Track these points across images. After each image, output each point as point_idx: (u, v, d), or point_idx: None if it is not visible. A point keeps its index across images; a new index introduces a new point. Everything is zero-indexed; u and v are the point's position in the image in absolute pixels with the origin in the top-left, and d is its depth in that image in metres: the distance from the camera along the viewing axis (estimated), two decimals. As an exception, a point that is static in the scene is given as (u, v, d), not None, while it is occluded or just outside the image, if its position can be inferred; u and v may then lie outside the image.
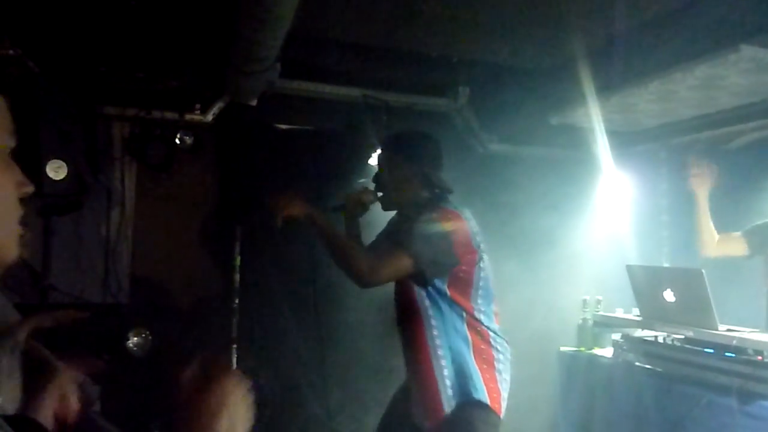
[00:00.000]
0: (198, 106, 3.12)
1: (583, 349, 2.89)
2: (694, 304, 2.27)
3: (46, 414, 0.92)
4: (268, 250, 3.11)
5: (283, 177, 3.22)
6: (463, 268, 1.99)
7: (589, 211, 3.85)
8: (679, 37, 2.68)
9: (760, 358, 2.07)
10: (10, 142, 0.85)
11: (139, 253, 3.11)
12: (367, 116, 3.21)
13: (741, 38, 2.39)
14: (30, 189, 0.85)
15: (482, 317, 2.02)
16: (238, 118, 3.20)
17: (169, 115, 3.08)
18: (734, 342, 2.15)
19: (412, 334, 2.03)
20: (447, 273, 1.97)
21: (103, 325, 2.59)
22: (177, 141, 3.04)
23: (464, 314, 1.99)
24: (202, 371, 0.75)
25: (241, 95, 3.08)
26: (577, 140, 3.45)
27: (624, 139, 3.77)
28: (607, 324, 2.80)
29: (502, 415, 1.99)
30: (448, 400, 1.95)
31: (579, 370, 2.85)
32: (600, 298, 2.97)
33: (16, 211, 0.81)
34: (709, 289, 2.21)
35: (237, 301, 3.19)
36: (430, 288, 1.97)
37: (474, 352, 1.98)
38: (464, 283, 1.99)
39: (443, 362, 1.96)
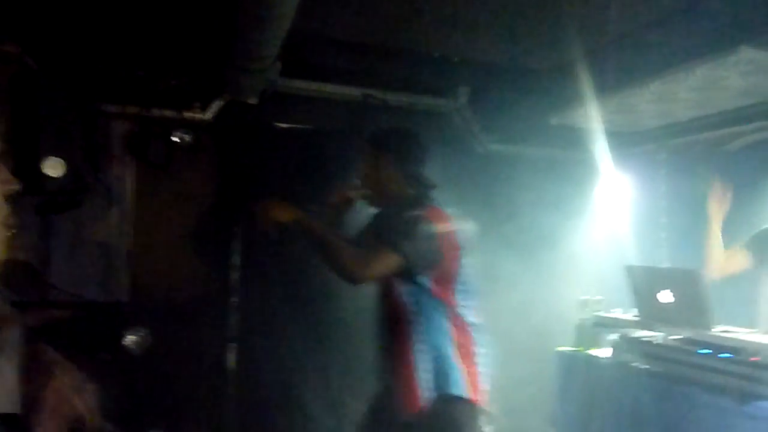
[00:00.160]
0: (198, 104, 3.12)
1: (581, 349, 2.89)
2: (692, 305, 2.27)
3: (44, 416, 0.91)
4: (267, 248, 3.11)
5: (282, 176, 3.22)
6: (447, 264, 2.02)
7: (589, 211, 3.85)
8: (680, 38, 2.68)
9: (757, 359, 2.07)
10: None
11: (138, 252, 3.11)
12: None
13: (741, 40, 2.40)
14: (15, 187, 0.83)
15: (464, 312, 2.05)
16: (238, 117, 3.20)
17: (169, 113, 3.08)
18: (730, 343, 2.15)
19: (392, 329, 2.05)
20: (431, 269, 1.99)
21: (101, 323, 2.59)
22: (177, 139, 3.03)
23: (446, 309, 2.02)
24: None
25: (241, 94, 3.08)
26: (576, 141, 3.45)
27: (624, 140, 3.78)
28: (605, 324, 2.80)
29: (483, 406, 2.04)
30: (427, 394, 1.97)
31: (577, 370, 2.85)
32: (599, 298, 2.97)
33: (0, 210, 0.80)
34: (706, 290, 2.22)
35: (236, 299, 3.21)
36: (413, 283, 1.98)
37: (455, 346, 2.01)
38: (447, 278, 2.03)
39: (423, 356, 1.98)
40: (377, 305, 2.14)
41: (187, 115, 3.11)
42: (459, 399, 1.98)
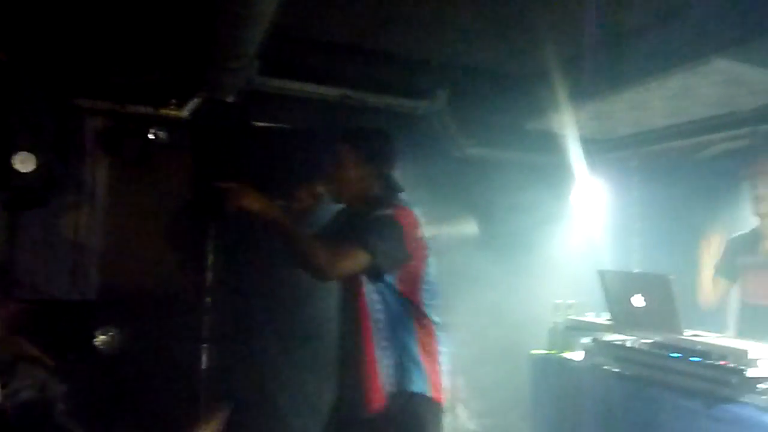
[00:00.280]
0: (174, 101, 3.07)
1: (554, 352, 2.92)
2: (662, 309, 2.31)
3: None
4: (242, 247, 3.09)
5: (259, 175, 3.19)
6: (414, 263, 2.04)
7: (564, 216, 3.90)
8: (654, 48, 2.74)
9: (724, 362, 2.11)
10: None
11: (109, 250, 3.06)
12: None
13: (713, 51, 2.46)
14: None
15: (428, 311, 2.08)
16: (216, 115, 3.17)
17: (145, 109, 3.04)
18: (700, 347, 2.19)
19: (357, 327, 2.04)
20: (399, 268, 2.02)
21: (70, 322, 2.54)
22: (152, 136, 2.99)
23: (411, 308, 2.05)
24: None
25: (218, 91, 3.05)
26: (552, 146, 3.50)
27: (598, 147, 3.84)
28: (578, 328, 2.83)
29: (444, 404, 2.07)
30: (390, 392, 1.99)
31: (550, 373, 2.88)
32: (572, 302, 3.01)
33: None
34: (675, 295, 2.26)
35: (209, 299, 3.17)
36: (380, 282, 2.00)
37: (419, 344, 2.03)
38: (413, 277, 2.05)
39: (387, 354, 2.00)
40: (342, 303, 2.14)
41: (164, 112, 3.07)
42: (422, 396, 2.00)
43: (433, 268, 2.11)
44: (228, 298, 3.18)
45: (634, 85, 2.85)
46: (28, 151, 2.24)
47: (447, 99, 3.56)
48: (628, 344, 2.54)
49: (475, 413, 3.47)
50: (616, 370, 2.51)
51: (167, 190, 3.17)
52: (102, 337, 2.42)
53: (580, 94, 3.00)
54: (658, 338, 2.38)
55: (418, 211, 2.10)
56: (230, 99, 3.10)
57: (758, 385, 1.99)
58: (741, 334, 2.57)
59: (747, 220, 2.87)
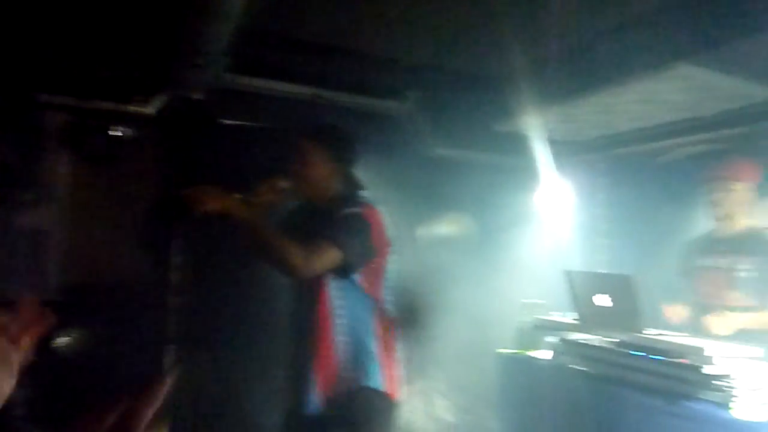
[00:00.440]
0: (140, 97, 3.01)
1: (521, 351, 2.96)
2: (626, 309, 2.36)
3: None
4: (209, 247, 3.04)
5: (227, 174, 3.15)
6: (378, 260, 2.08)
7: (531, 216, 3.95)
8: (620, 53, 2.79)
9: (685, 360, 2.17)
10: None
11: (71, 249, 2.98)
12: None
13: (677, 57, 2.51)
14: None
15: (388, 307, 2.12)
16: (183, 112, 3.11)
17: (109, 105, 2.96)
18: (661, 345, 2.25)
19: (316, 323, 2.05)
20: (365, 265, 2.05)
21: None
22: (116, 133, 2.92)
23: (372, 304, 2.08)
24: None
25: (185, 88, 3.00)
26: (521, 148, 3.53)
27: (566, 149, 3.89)
28: (545, 327, 2.87)
29: (398, 400, 2.10)
30: (347, 387, 2.01)
31: (517, 372, 2.92)
32: (539, 301, 3.05)
33: None
34: (638, 295, 2.31)
35: (176, 300, 3.11)
36: (345, 279, 2.02)
37: (378, 340, 2.06)
38: (376, 274, 2.08)
39: (344, 348, 2.03)
40: (299, 299, 2.13)
41: (128, 108, 3.00)
42: (377, 392, 2.03)
43: (392, 265, 2.13)
44: (194, 297, 3.13)
45: (601, 89, 2.90)
46: (-14, 146, 2.16)
47: (417, 99, 3.57)
48: (594, 343, 2.58)
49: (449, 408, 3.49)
50: (582, 368, 2.55)
51: (132, 189, 3.10)
52: (62, 339, 2.35)
53: (548, 96, 3.04)
54: (621, 337, 2.43)
55: (382, 210, 2.12)
56: (198, 96, 3.05)
57: (714, 382, 2.04)
58: (695, 331, 2.64)
59: (706, 222, 2.96)
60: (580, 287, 2.59)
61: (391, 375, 2.08)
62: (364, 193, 2.18)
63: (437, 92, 3.53)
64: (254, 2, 2.11)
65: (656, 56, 2.58)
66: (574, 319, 2.71)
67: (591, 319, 2.55)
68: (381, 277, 2.10)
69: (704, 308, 2.65)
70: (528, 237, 3.85)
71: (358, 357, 2.04)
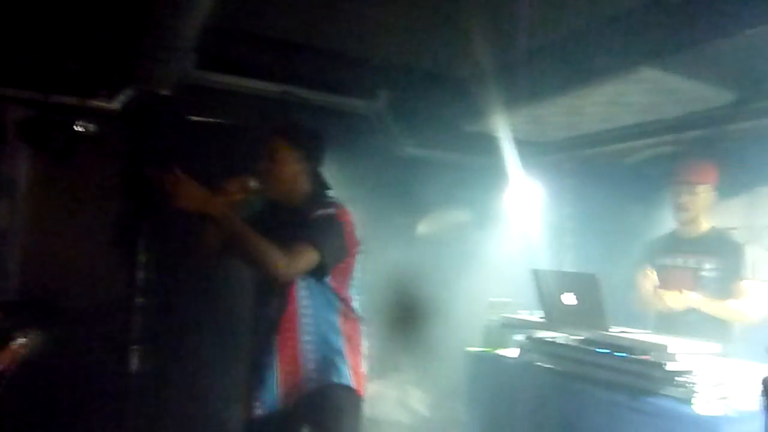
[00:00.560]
0: (104, 92, 2.94)
1: (489, 349, 2.98)
2: (591, 307, 2.40)
3: None
4: (175, 245, 2.99)
5: (194, 172, 3.10)
6: (348, 259, 2.09)
7: (500, 216, 3.99)
8: (586, 56, 2.83)
9: (646, 357, 2.22)
10: None
11: (31, 247, 2.90)
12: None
13: (641, 60, 2.57)
14: None
15: (355, 306, 2.12)
16: (149, 108, 3.05)
17: (71, 100, 2.89)
18: (625, 343, 2.29)
19: (283, 322, 2.04)
20: (337, 265, 2.05)
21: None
22: (78, 128, 2.85)
23: (339, 304, 2.08)
24: None
25: (151, 83, 2.94)
26: (490, 148, 3.57)
27: (534, 149, 3.95)
28: (512, 325, 2.90)
29: (364, 396, 2.12)
30: (313, 385, 2.02)
31: (485, 370, 2.94)
32: (507, 300, 3.08)
33: None
34: (602, 293, 2.35)
35: (140, 299, 3.05)
36: (317, 279, 2.01)
37: (344, 339, 2.07)
38: (345, 274, 2.09)
39: (309, 347, 2.03)
40: (264, 297, 2.10)
41: (92, 103, 2.93)
42: (345, 388, 2.04)
43: (361, 264, 2.14)
44: (160, 297, 3.07)
45: (568, 91, 2.94)
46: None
47: (387, 99, 3.58)
48: (560, 341, 2.62)
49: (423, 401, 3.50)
50: (549, 366, 2.59)
51: (95, 186, 3.03)
52: (21, 340, 2.28)
53: (516, 98, 3.08)
54: (587, 335, 2.46)
55: (352, 209, 2.12)
56: (165, 92, 3.00)
57: (677, 378, 2.09)
58: (658, 331, 2.70)
59: (669, 222, 3.02)
60: (547, 286, 2.62)
61: (357, 372, 2.09)
62: (331, 193, 2.17)
63: (407, 92, 3.54)
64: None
65: (621, 59, 2.63)
66: (541, 318, 2.74)
67: (557, 317, 2.59)
68: (349, 276, 2.10)
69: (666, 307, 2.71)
70: (496, 236, 3.89)
71: (326, 355, 2.04)
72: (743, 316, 2.57)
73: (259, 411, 2.05)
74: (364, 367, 2.13)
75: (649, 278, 2.69)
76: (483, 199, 3.85)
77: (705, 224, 2.76)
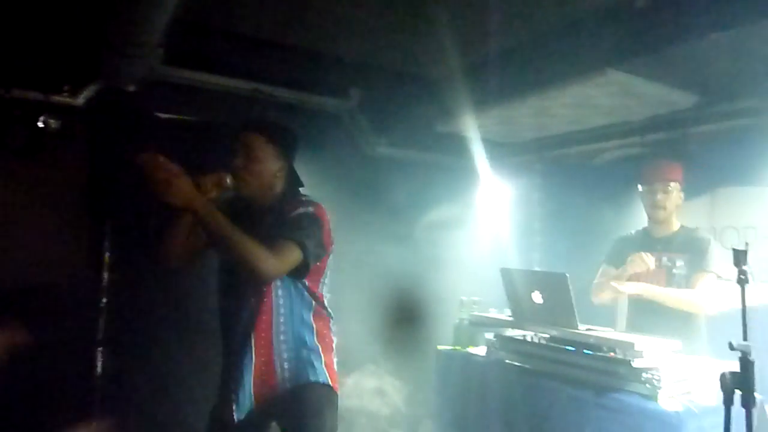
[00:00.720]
0: (67, 87, 2.87)
1: (459, 347, 3.00)
2: (559, 305, 2.43)
3: None
4: (141, 245, 2.93)
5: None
6: (324, 258, 2.07)
7: (470, 216, 4.02)
8: (554, 58, 2.88)
9: (612, 354, 2.26)
10: None
11: (-8, 246, 2.81)
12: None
13: (608, 63, 2.62)
14: None
15: (327, 303, 2.12)
16: (114, 104, 2.99)
17: (34, 95, 2.81)
18: (592, 340, 2.33)
19: (258, 322, 2.00)
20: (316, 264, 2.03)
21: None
22: (41, 124, 2.77)
23: (313, 302, 2.07)
24: None
25: (117, 79, 2.88)
26: (461, 148, 3.60)
27: (504, 150, 3.99)
28: (481, 324, 2.92)
29: (338, 393, 2.11)
30: (288, 385, 2.00)
31: (455, 368, 2.96)
32: (476, 299, 3.10)
33: None
34: (571, 292, 2.38)
35: (105, 299, 2.99)
36: (295, 277, 1.99)
37: (317, 337, 2.07)
38: (319, 272, 2.07)
39: (284, 347, 2.01)
40: (237, 297, 2.05)
41: (55, 98, 2.85)
42: (323, 386, 2.03)
43: (332, 263, 2.14)
44: (127, 298, 3.01)
45: (537, 93, 2.99)
46: None
47: (359, 98, 3.57)
48: (528, 339, 2.65)
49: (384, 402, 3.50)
50: (517, 363, 2.61)
51: (58, 183, 2.95)
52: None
53: (487, 99, 3.11)
54: (554, 333, 2.50)
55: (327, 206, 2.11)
56: (131, 88, 2.94)
57: (643, 375, 2.14)
58: (630, 328, 2.75)
59: (636, 222, 3.08)
60: (516, 285, 2.65)
61: (331, 369, 2.09)
62: (303, 190, 2.16)
63: (379, 91, 3.54)
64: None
65: (587, 62, 2.68)
66: (509, 316, 2.77)
67: (525, 315, 2.62)
68: (322, 274, 2.09)
69: (636, 304, 2.76)
70: (466, 235, 3.92)
71: (301, 353, 2.03)
72: (691, 305, 2.61)
73: (235, 413, 2.01)
74: (336, 365, 2.12)
75: (639, 261, 2.73)
76: (454, 199, 3.88)
77: (676, 223, 2.82)
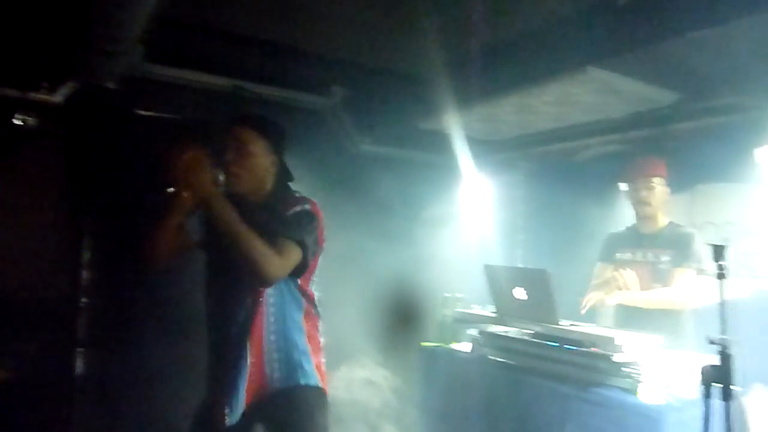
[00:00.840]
0: (45, 84, 2.82)
1: (442, 344, 3.01)
2: (541, 302, 2.45)
3: None
4: (120, 243, 2.89)
5: (141, 167, 3.01)
6: (317, 256, 2.04)
7: (454, 213, 4.03)
8: (536, 56, 2.89)
9: (594, 349, 2.28)
10: None
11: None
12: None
13: (588, 61, 2.63)
14: None
15: (317, 303, 2.08)
16: (94, 102, 2.95)
17: (10, 92, 2.77)
18: (573, 336, 2.35)
19: (249, 322, 1.95)
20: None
21: None
22: (18, 122, 2.73)
23: (304, 302, 2.03)
24: None
25: (96, 76, 2.84)
26: (444, 145, 3.60)
27: (487, 147, 4.01)
28: (465, 320, 2.93)
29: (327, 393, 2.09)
30: (277, 385, 1.95)
31: (439, 364, 2.97)
32: (460, 295, 3.11)
33: None
34: (553, 288, 2.40)
35: (84, 299, 2.95)
36: (290, 277, 1.95)
37: (307, 338, 2.02)
38: (311, 270, 2.03)
39: (274, 347, 1.96)
40: (231, 298, 1.99)
41: (33, 95, 2.80)
42: (313, 389, 2.00)
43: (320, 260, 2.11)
44: (106, 297, 2.98)
45: (519, 90, 3.00)
46: None
47: (342, 95, 3.56)
48: (511, 335, 2.67)
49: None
50: (500, 359, 2.63)
51: (35, 182, 2.90)
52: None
53: (470, 96, 3.11)
54: (537, 328, 2.51)
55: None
56: (110, 85, 2.90)
57: (623, 369, 2.16)
58: (618, 325, 2.78)
59: (617, 218, 3.11)
60: (499, 281, 2.66)
61: (321, 369, 2.04)
62: (293, 186, 2.11)
63: (362, 88, 3.53)
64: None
65: (569, 60, 2.69)
66: (492, 312, 2.78)
67: (509, 311, 2.63)
68: (312, 272, 2.04)
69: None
70: (450, 232, 3.93)
71: (291, 355, 1.97)
72: (672, 303, 2.64)
73: (228, 417, 1.93)
74: (324, 366, 2.08)
75: (603, 276, 2.76)
76: (437, 196, 3.89)
77: (663, 219, 2.85)
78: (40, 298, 2.90)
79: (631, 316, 2.71)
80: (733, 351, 1.71)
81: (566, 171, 3.91)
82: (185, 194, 1.82)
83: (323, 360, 2.08)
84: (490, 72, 3.04)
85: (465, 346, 2.88)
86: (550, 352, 2.43)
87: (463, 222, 4.00)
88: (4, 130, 2.73)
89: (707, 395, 1.71)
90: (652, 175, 2.79)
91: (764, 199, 3.07)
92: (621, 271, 2.73)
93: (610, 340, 2.23)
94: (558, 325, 2.43)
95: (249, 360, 1.94)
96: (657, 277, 2.73)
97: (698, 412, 1.73)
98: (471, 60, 3.05)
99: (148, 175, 2.89)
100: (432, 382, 3.00)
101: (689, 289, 2.62)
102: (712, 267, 1.86)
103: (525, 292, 2.51)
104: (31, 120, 2.76)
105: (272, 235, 1.86)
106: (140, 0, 2.05)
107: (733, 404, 1.70)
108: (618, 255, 2.88)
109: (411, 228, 3.70)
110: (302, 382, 1.97)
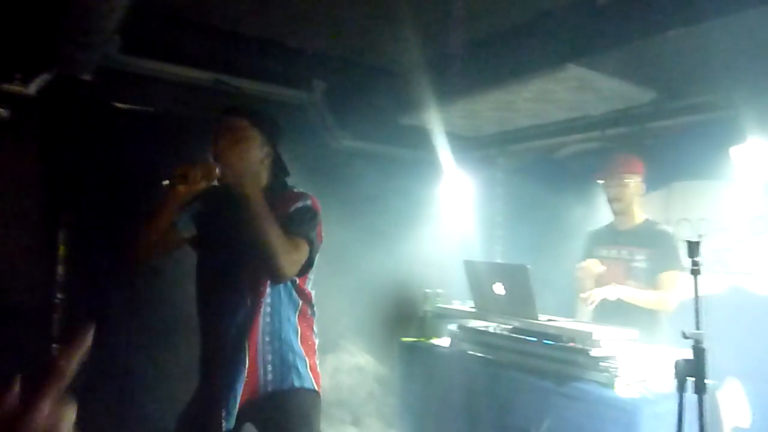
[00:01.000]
0: (18, 75, 2.75)
1: (423, 339, 3.02)
2: (520, 297, 2.47)
3: None
4: (98, 238, 2.84)
5: (117, 159, 2.96)
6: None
7: (434, 209, 4.04)
8: (516, 53, 2.91)
9: (572, 344, 2.31)
10: None
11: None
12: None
13: (568, 58, 2.66)
14: None
15: (313, 303, 2.04)
16: (69, 94, 2.88)
17: (-19, 83, 2.70)
18: (552, 330, 2.38)
19: (245, 322, 1.89)
20: None
21: None
22: (-10, 114, 2.66)
23: (300, 302, 1.98)
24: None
25: (71, 68, 2.78)
26: (425, 141, 3.61)
27: (467, 144, 4.02)
28: (445, 315, 2.95)
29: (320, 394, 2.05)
30: (271, 387, 1.91)
31: (419, 359, 2.98)
32: (440, 291, 3.12)
33: None
34: (532, 283, 2.42)
35: (60, 295, 2.90)
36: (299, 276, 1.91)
37: (301, 340, 1.97)
38: (309, 269, 1.98)
39: (268, 348, 1.91)
40: (226, 297, 1.94)
41: (6, 87, 2.73)
42: (308, 392, 1.95)
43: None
44: (83, 293, 2.92)
45: (499, 87, 3.01)
46: None
47: (323, 90, 3.54)
48: (490, 330, 2.69)
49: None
50: (479, 354, 2.65)
51: (9, 174, 2.84)
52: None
53: (450, 92, 3.12)
54: (516, 323, 2.54)
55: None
56: (86, 77, 2.84)
57: (600, 363, 2.19)
58: (594, 319, 2.81)
59: (596, 215, 3.15)
60: (478, 276, 2.68)
61: (315, 371, 2.00)
62: (289, 180, 2.06)
63: (343, 83, 3.52)
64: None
65: (549, 57, 2.71)
66: (472, 308, 2.79)
67: (488, 306, 2.65)
68: (309, 271, 1.97)
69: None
70: (430, 228, 3.94)
71: (285, 357, 1.92)
72: (665, 305, 2.69)
73: (225, 422, 1.86)
74: (319, 368, 2.03)
75: (587, 270, 2.77)
76: (417, 192, 3.89)
77: (639, 216, 2.88)
78: (12, 293, 2.84)
79: (608, 311, 2.75)
80: (707, 345, 1.74)
81: (546, 168, 3.94)
82: (182, 188, 1.76)
83: (317, 361, 2.02)
84: (470, 68, 3.05)
85: (445, 341, 2.90)
86: (529, 347, 2.45)
87: (443, 218, 4.02)
88: (-25, 122, 2.67)
89: (681, 389, 1.74)
90: (623, 172, 2.83)
91: (738, 196, 3.13)
92: (583, 263, 2.77)
93: (588, 335, 2.26)
94: (537, 320, 2.45)
95: (241, 360, 1.88)
96: (630, 274, 2.77)
97: (673, 405, 1.76)
98: (451, 56, 3.06)
99: (125, 169, 2.85)
100: (412, 377, 3.01)
101: (679, 291, 2.67)
102: (687, 263, 1.89)
103: (504, 287, 2.53)
104: (4, 112, 2.69)
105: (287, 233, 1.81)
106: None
107: (706, 397, 1.73)
108: (596, 252, 2.92)
109: (391, 223, 3.69)
110: (297, 384, 1.92)
